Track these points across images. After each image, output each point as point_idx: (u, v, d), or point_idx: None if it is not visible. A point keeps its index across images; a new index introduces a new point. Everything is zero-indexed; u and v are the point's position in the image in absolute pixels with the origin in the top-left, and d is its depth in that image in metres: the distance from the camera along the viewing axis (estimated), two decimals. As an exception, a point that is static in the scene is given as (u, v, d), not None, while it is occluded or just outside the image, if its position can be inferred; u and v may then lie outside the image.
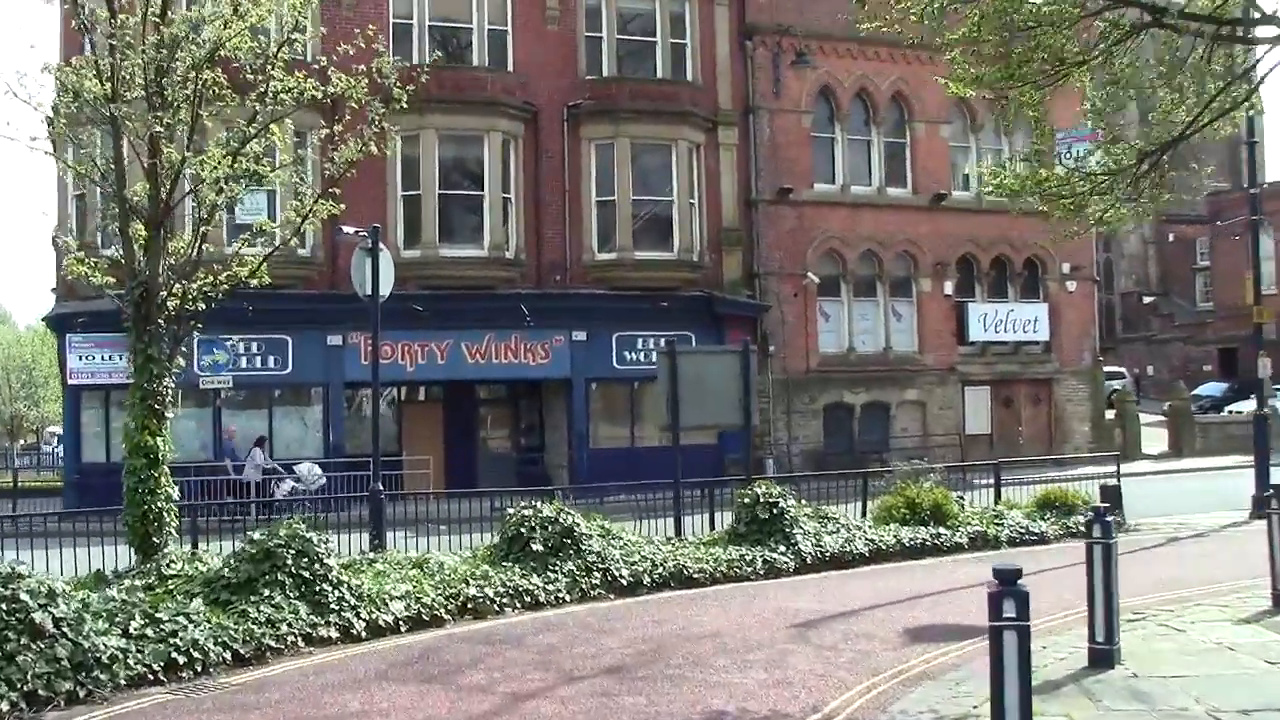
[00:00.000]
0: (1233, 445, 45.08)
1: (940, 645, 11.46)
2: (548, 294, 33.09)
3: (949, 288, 39.43)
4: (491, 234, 32.22)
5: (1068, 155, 41.12)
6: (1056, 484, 22.73)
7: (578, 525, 15.30)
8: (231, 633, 11.40)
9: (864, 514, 20.52)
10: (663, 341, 33.76)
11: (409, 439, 32.91)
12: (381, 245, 15.77)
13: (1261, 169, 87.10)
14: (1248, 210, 24.07)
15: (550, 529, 15.05)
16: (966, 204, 39.67)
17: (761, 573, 16.26)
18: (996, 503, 21.70)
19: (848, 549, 17.46)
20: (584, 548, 15.13)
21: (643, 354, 33.93)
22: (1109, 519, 10.08)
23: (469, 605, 13.51)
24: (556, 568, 14.68)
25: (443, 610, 13.17)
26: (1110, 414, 43.32)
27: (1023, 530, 19.63)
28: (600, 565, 15.04)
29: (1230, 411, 51.33)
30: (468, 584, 13.76)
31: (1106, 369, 48.28)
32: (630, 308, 33.72)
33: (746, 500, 17.47)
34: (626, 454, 33.59)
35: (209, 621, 11.44)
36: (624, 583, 15.05)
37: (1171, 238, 79.23)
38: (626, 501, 21.37)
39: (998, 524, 19.58)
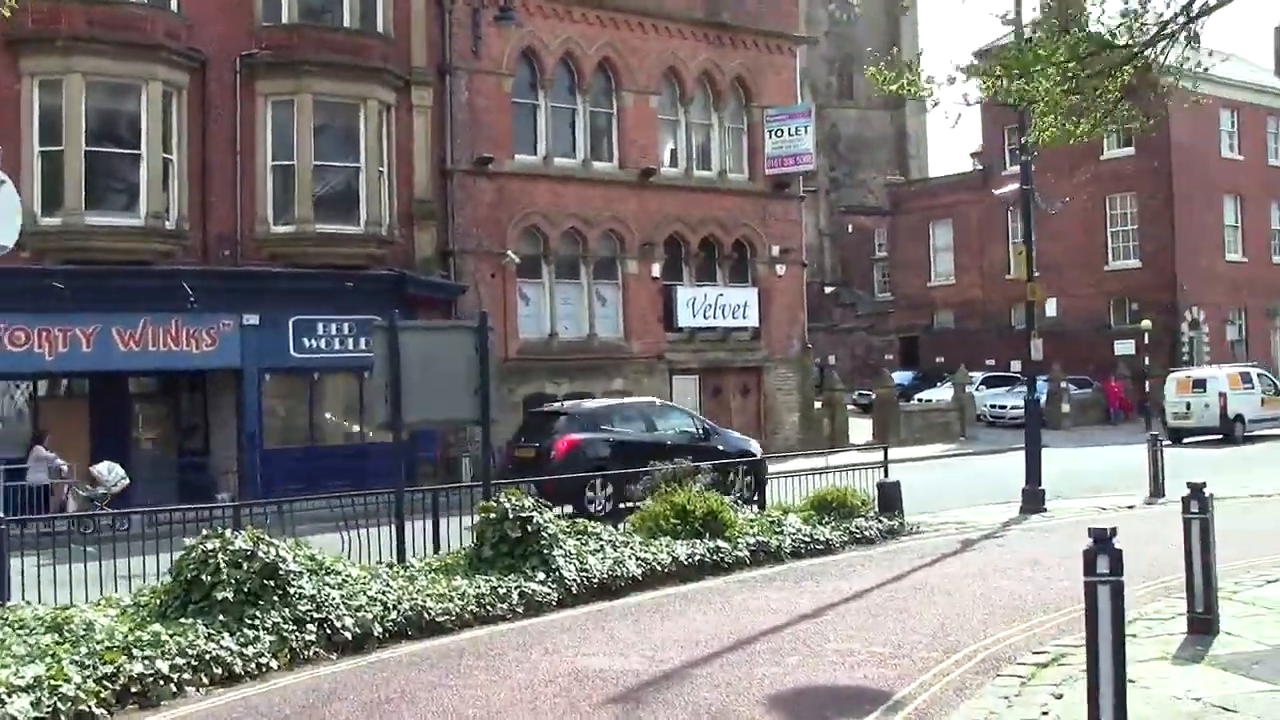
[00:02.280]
0: (934, 434, 44.50)
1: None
2: (215, 271, 28.45)
3: (656, 270, 36.71)
4: (149, 200, 27.38)
5: (780, 133, 39.51)
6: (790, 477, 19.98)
7: (283, 561, 11.24)
8: None
9: (617, 524, 17.22)
10: (346, 326, 30.09)
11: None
12: (4, 177, 11.42)
13: (925, 166, 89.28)
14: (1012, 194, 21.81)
15: (246, 567, 10.95)
16: (676, 180, 37.29)
17: (520, 610, 12.62)
18: (762, 507, 18.76)
19: (618, 572, 14.02)
20: (293, 591, 11.10)
21: (324, 340, 29.83)
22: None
23: (133, 689, 9.31)
24: (257, 621, 10.60)
25: (93, 701, 8.82)
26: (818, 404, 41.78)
27: (806, 539, 16.66)
28: (316, 614, 11.05)
29: (919, 399, 50.96)
30: (130, 655, 9.50)
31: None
32: (310, 288, 29.49)
33: (493, 515, 13.79)
34: (305, 455, 29.59)
35: None
36: (349, 636, 11.08)
37: (850, 229, 79.82)
38: (314, 510, 17.38)
39: (778, 533, 16.54)
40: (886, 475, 20.06)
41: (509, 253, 33.25)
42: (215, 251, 28.80)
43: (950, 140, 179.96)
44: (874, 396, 46.25)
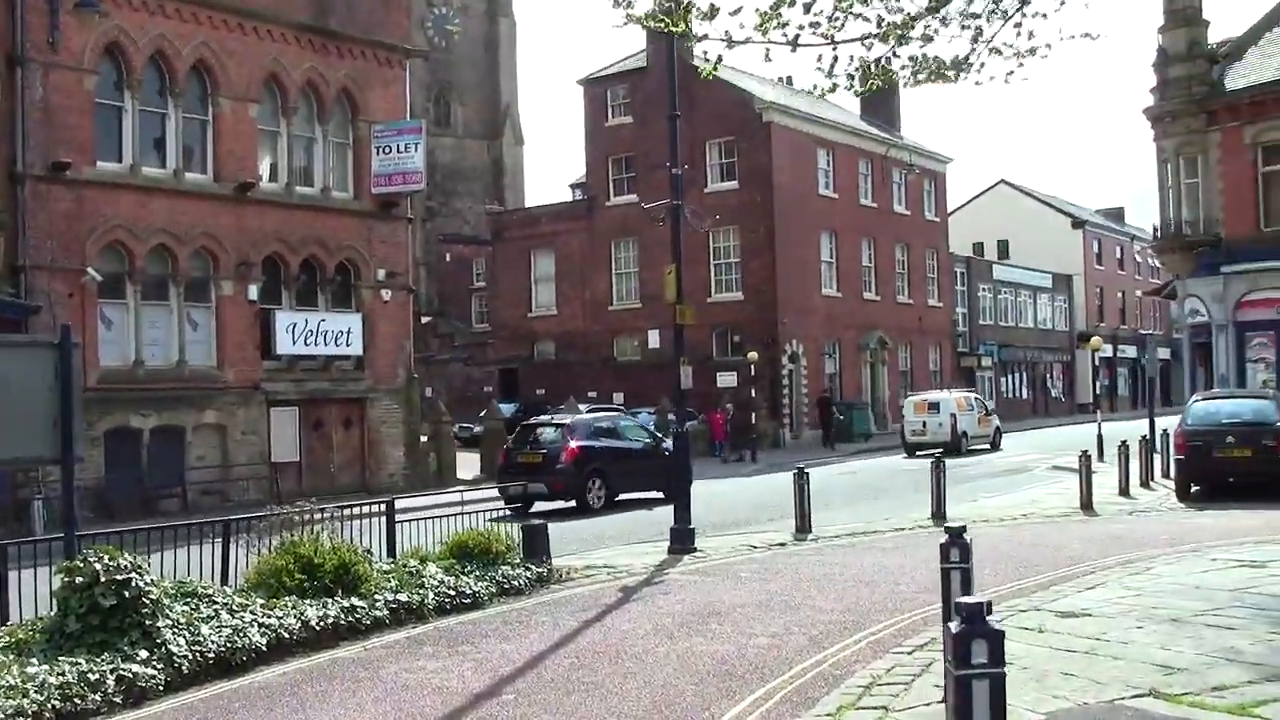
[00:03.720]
0: (544, 467, 43.19)
1: None
2: None
3: (254, 292, 33.81)
4: None
5: (388, 150, 37.37)
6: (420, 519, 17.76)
7: None
8: None
9: (225, 579, 14.70)
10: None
11: None
12: None
13: (521, 196, 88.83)
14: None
15: None
16: (276, 196, 34.60)
17: (118, 699, 10.07)
18: (391, 553, 16.60)
19: (239, 643, 11.60)
20: None
21: None
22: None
23: None
24: None
25: None
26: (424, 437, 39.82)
27: (451, 592, 14.61)
28: None
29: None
30: None
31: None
32: None
33: (80, 580, 11.13)
34: None
35: None
36: (-116, 753, 8.43)
37: (449, 258, 78.30)
38: None
39: (419, 587, 14.45)
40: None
41: (89, 270, 29.76)
42: None
43: (547, 172, 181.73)
44: (478, 430, 44.63)
